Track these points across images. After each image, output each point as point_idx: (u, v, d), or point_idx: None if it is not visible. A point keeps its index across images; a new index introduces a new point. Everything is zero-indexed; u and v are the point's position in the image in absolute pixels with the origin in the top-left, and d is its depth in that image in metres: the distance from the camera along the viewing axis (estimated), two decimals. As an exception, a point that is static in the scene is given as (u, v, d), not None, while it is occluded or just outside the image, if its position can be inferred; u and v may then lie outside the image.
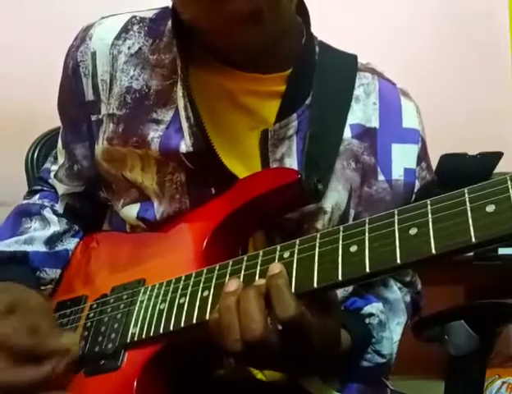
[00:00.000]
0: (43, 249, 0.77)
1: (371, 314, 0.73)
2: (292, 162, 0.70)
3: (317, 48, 0.76)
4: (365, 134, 0.74)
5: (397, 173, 0.75)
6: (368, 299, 0.75)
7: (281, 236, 0.69)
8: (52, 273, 0.77)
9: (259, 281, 0.53)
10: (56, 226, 0.80)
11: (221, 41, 0.68)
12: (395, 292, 0.79)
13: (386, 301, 0.77)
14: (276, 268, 0.52)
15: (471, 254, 1.43)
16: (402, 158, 0.75)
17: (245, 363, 0.60)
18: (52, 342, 0.60)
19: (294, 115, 0.70)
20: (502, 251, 1.49)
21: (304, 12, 0.75)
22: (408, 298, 0.81)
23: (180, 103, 0.69)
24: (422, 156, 0.78)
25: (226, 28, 0.62)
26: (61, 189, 0.83)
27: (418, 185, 0.76)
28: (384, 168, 0.74)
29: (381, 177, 0.74)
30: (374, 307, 0.74)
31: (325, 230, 0.54)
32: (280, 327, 0.51)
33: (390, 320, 0.76)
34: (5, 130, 1.71)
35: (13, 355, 0.58)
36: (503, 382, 1.61)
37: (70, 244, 0.81)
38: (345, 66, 0.77)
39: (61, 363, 0.59)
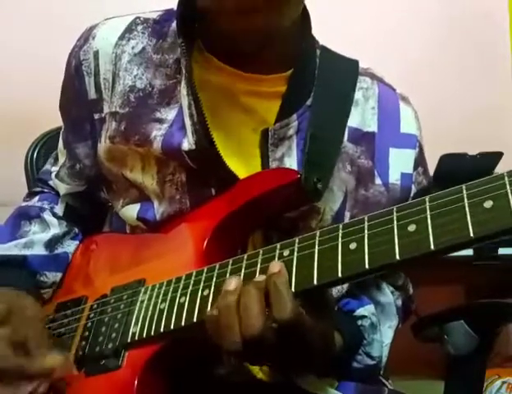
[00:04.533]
0: (42, 252, 0.77)
1: (363, 316, 0.73)
2: (292, 162, 0.70)
3: (318, 51, 0.77)
4: (362, 138, 0.74)
5: (394, 177, 0.75)
6: (361, 300, 0.76)
7: (278, 235, 0.69)
8: (53, 277, 0.77)
9: (259, 278, 0.54)
10: (56, 228, 0.80)
11: (232, 25, 0.65)
12: (388, 295, 0.79)
13: (378, 304, 0.77)
14: (275, 266, 0.53)
15: (471, 253, 1.44)
16: (399, 163, 0.76)
17: (242, 360, 0.61)
18: (37, 364, 0.61)
19: (295, 115, 0.71)
20: (502, 251, 1.49)
21: (305, 15, 0.75)
22: (399, 302, 0.81)
23: (184, 101, 0.69)
24: (419, 161, 0.78)
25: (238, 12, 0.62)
26: (62, 189, 0.83)
27: (414, 189, 0.77)
28: (381, 172, 0.75)
29: (378, 181, 0.75)
30: (367, 309, 0.74)
31: (324, 228, 0.54)
32: (275, 326, 0.51)
33: (381, 323, 0.76)
34: (5, 130, 1.71)
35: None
36: (503, 382, 1.61)
37: (69, 246, 0.81)
38: (347, 70, 0.78)
39: (43, 385, 0.60)
